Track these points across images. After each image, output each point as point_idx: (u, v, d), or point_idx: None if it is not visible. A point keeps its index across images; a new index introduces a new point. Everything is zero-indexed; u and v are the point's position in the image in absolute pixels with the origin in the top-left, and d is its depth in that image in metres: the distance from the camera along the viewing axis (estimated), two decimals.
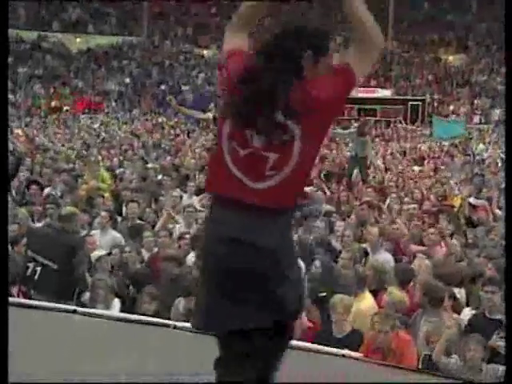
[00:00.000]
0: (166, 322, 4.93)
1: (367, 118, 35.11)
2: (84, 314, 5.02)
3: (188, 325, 5.16)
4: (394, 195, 10.94)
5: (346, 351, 4.50)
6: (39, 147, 17.47)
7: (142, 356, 3.27)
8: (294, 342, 4.77)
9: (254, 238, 2.77)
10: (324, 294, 6.20)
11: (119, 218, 9.51)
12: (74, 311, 5.05)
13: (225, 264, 2.81)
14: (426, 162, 17.25)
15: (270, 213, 2.78)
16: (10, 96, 37.38)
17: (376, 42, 2.84)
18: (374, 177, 13.82)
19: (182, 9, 47.43)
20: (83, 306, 6.22)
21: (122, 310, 6.39)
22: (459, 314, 6.36)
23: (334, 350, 4.55)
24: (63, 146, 18.81)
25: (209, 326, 2.94)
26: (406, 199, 10.73)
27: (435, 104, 39.15)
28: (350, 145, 16.81)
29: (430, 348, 5.48)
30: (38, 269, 6.36)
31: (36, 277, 6.38)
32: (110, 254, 7.49)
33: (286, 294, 2.84)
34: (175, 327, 4.60)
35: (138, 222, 9.05)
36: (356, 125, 17.86)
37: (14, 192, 11.46)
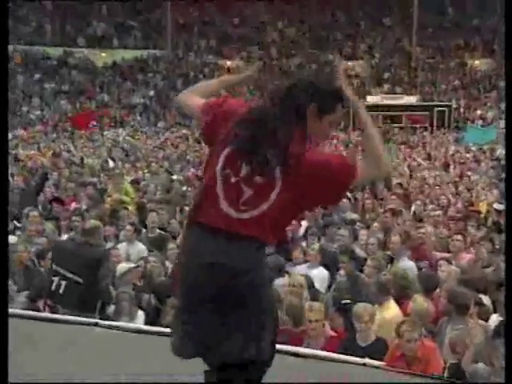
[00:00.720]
0: None
1: (393, 125, 35.11)
2: (105, 326, 5.01)
3: None
4: (418, 202, 10.84)
5: (366, 360, 4.44)
6: (66, 162, 17.64)
7: (161, 365, 3.27)
8: (310, 351, 4.77)
9: (233, 264, 2.83)
10: (348, 301, 6.14)
11: (144, 230, 9.55)
12: (96, 324, 5.06)
13: (206, 290, 2.87)
14: (451, 167, 17.10)
15: (248, 242, 2.85)
16: (37, 112, 37.88)
17: (382, 170, 3.00)
18: (399, 183, 13.73)
19: (205, 20, 47.68)
20: (107, 318, 6.26)
21: (146, 323, 6.41)
22: (486, 320, 6.27)
23: (355, 358, 4.49)
24: (88, 159, 18.97)
25: (187, 353, 2.98)
26: (430, 206, 10.63)
27: (461, 109, 38.86)
28: None
29: (455, 356, 5.39)
30: (63, 283, 6.39)
31: (61, 291, 6.41)
32: (137, 266, 7.51)
33: (263, 333, 2.90)
34: None
35: (162, 233, 9.08)
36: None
37: (40, 207, 11.61)
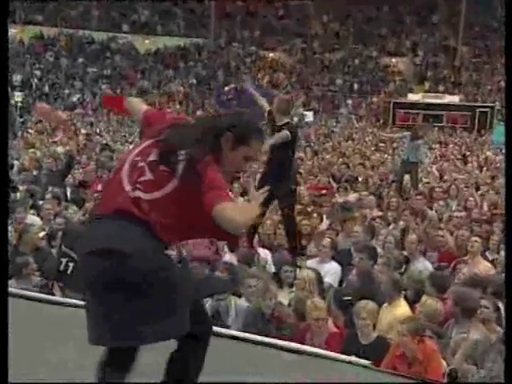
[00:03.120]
0: None
1: (434, 124, 34.68)
2: None
3: None
4: (441, 202, 10.67)
5: (353, 358, 4.37)
6: (99, 145, 17.83)
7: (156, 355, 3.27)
8: (297, 346, 4.71)
9: (121, 249, 2.92)
10: (348, 298, 6.06)
11: None
12: None
13: (100, 277, 2.97)
14: (484, 169, 16.80)
15: (140, 226, 2.97)
16: (79, 95, 38.32)
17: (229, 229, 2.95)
18: (426, 183, 13.52)
19: (249, 11, 47.64)
20: None
21: None
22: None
23: (342, 356, 4.42)
24: (122, 145, 19.10)
25: (99, 340, 3.06)
26: (454, 207, 10.44)
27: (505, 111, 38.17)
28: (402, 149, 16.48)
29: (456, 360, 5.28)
30: (71, 264, 6.42)
31: (68, 272, 6.44)
32: None
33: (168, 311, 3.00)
34: None
35: None
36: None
37: (68, 189, 11.77)
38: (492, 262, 8.05)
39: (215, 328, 5.17)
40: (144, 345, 3.06)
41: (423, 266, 7.72)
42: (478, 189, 12.93)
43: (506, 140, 4.14)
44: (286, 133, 7.86)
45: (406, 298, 6.63)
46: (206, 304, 6.28)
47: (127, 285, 2.93)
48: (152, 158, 3.10)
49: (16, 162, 14.47)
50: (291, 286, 6.85)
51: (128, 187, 3.05)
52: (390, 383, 4.25)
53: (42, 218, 9.38)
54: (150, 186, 3.03)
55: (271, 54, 44.71)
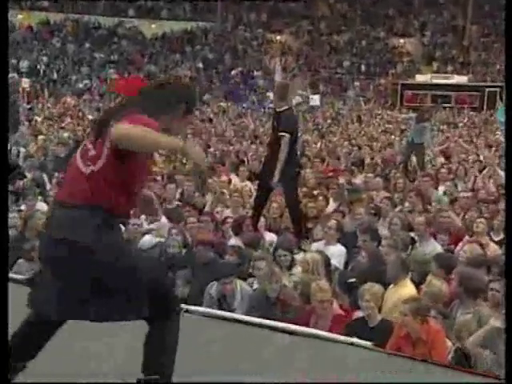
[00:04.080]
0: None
1: (443, 104, 34.49)
2: None
3: (201, 309, 5.16)
4: (448, 183, 10.63)
5: (355, 339, 4.37)
6: None
7: None
8: (298, 328, 4.72)
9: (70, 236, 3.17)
10: (353, 280, 6.06)
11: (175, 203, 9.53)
12: None
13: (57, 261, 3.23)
14: (493, 149, 16.71)
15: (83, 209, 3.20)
16: (86, 81, 38.27)
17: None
18: (432, 165, 13.47)
19: None
20: None
21: None
22: None
23: (343, 337, 4.43)
24: None
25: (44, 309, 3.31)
26: (459, 187, 10.40)
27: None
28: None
29: (460, 341, 5.27)
30: None
31: None
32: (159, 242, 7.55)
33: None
34: (187, 311, 4.58)
35: (180, 204, 9.10)
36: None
37: None
38: (497, 242, 8.02)
39: (221, 312, 5.21)
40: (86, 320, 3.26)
41: (433, 247, 7.69)
42: (484, 169, 12.86)
43: (505, 139, 4.10)
44: (285, 140, 8.02)
45: (411, 279, 6.63)
46: (212, 288, 6.32)
47: (82, 269, 3.17)
48: (91, 134, 3.37)
49: (22, 150, 14.51)
50: (289, 268, 6.85)
51: (81, 165, 3.26)
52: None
53: (48, 204, 9.43)
54: (93, 160, 3.23)
55: (278, 37, 44.48)
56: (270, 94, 31.13)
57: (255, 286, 6.55)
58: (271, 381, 3.71)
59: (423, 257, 7.03)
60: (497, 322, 5.45)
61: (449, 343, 5.46)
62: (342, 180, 11.15)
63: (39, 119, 22.19)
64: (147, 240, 7.73)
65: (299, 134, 10.42)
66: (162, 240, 7.63)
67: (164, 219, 8.62)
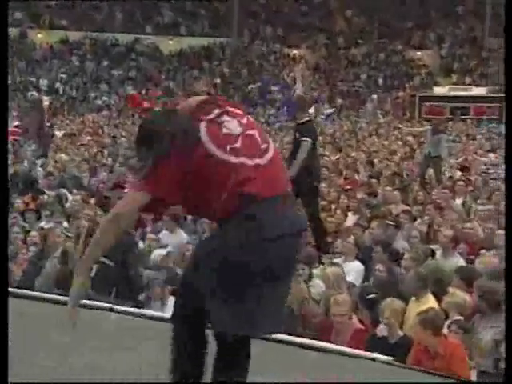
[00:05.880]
0: None
1: (462, 116, 34.33)
2: (120, 312, 5.02)
3: None
4: (468, 196, 10.57)
5: (375, 355, 4.33)
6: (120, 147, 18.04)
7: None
8: (314, 342, 4.68)
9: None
10: (373, 295, 6.02)
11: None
12: (111, 309, 5.07)
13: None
14: None
15: None
16: (105, 98, 38.58)
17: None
18: (450, 177, 13.40)
19: (272, 8, 47.51)
20: (139, 304, 6.32)
21: None
22: None
23: (364, 353, 4.40)
24: None
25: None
26: (479, 200, 10.33)
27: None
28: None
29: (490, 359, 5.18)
30: (95, 266, 6.46)
31: (92, 274, 6.48)
32: (169, 252, 7.55)
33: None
34: None
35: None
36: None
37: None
38: None
39: None
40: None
41: (456, 260, 7.62)
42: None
43: (505, 140, 4.07)
44: (305, 143, 8.11)
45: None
46: None
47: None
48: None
49: (40, 165, 14.65)
50: (306, 282, 6.82)
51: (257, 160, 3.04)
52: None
53: (68, 221, 9.48)
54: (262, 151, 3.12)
55: (295, 51, 44.56)
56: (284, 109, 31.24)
57: None
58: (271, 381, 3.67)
59: (439, 268, 6.95)
60: None
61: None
62: (360, 194, 11.12)
63: (59, 135, 22.39)
64: (158, 253, 7.72)
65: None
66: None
67: (182, 234, 8.65)
